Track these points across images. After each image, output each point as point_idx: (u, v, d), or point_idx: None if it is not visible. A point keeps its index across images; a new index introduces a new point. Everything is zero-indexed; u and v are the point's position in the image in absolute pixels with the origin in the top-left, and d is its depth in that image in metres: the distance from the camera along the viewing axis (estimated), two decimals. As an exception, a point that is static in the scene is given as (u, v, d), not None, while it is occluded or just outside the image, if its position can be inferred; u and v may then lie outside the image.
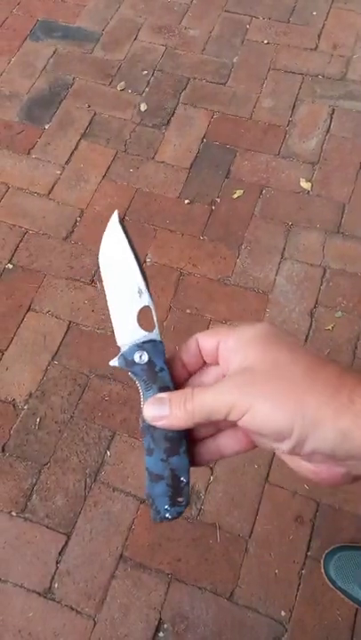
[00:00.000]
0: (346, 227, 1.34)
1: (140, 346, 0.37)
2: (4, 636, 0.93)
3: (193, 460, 0.37)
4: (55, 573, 0.98)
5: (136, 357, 0.37)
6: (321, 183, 1.40)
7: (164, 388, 0.36)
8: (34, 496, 1.04)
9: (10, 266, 1.29)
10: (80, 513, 1.02)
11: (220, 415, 0.31)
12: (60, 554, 0.99)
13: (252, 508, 1.03)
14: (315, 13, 1.70)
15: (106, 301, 0.37)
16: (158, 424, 0.35)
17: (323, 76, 1.57)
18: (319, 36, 1.65)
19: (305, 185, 1.40)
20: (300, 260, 1.30)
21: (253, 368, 0.31)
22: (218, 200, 1.38)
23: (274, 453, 1.16)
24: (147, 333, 0.37)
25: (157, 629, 0.94)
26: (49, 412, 1.12)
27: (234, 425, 0.33)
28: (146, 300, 0.38)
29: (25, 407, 1.12)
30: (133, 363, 0.37)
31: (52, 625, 0.94)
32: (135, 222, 1.34)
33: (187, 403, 0.34)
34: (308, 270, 1.28)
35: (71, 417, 1.11)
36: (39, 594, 0.96)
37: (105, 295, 0.38)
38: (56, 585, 0.97)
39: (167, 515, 0.36)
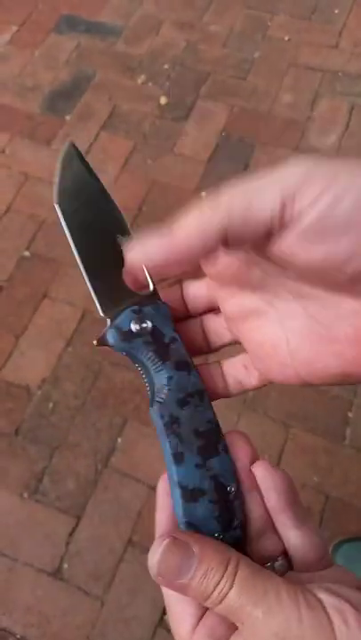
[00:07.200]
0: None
1: (137, 311, 0.27)
2: (15, 613, 0.94)
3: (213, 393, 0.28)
4: (65, 554, 0.99)
5: (134, 327, 0.26)
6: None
7: (181, 365, 0.26)
8: (45, 479, 1.05)
9: (27, 254, 1.31)
10: (90, 497, 1.03)
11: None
12: (69, 535, 1.00)
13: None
14: (337, 12, 1.70)
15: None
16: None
17: (343, 74, 1.57)
18: (340, 34, 1.65)
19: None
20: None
21: None
22: (235, 193, 1.38)
23: (283, 447, 1.13)
24: (140, 294, 0.27)
25: (164, 613, 0.94)
26: (62, 397, 1.13)
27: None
28: None
29: (38, 392, 1.14)
30: (131, 334, 0.26)
31: (60, 604, 0.95)
32: (151, 213, 1.35)
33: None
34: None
35: (83, 403, 1.12)
36: (48, 573, 0.97)
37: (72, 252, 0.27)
38: (65, 565, 0.98)
39: None
